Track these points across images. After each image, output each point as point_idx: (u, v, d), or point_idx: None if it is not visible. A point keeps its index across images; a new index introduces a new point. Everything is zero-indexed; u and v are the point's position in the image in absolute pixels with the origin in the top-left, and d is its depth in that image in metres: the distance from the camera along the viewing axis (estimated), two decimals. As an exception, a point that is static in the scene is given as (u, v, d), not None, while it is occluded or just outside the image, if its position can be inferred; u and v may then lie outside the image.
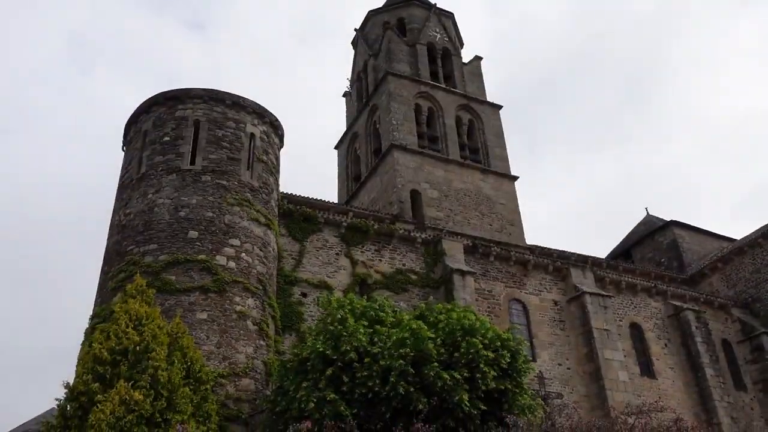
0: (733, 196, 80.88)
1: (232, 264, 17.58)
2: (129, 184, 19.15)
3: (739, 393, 27.61)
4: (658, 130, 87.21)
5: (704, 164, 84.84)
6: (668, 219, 35.65)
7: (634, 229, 38.03)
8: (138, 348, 12.60)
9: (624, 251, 36.79)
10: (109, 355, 12.42)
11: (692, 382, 26.49)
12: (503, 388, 13.70)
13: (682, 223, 35.37)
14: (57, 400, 12.47)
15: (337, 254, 22.05)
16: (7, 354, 59.08)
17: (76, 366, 13.09)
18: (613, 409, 16.31)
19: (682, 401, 25.51)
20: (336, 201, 30.77)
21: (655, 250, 35.17)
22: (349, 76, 37.32)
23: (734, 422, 25.90)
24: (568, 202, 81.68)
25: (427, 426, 10.55)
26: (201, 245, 17.44)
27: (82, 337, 16.29)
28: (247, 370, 16.28)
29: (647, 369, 26.07)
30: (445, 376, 12.80)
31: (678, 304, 28.23)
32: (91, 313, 17.28)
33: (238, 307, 16.99)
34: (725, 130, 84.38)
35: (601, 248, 68.20)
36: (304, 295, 20.56)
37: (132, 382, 12.12)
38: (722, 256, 32.17)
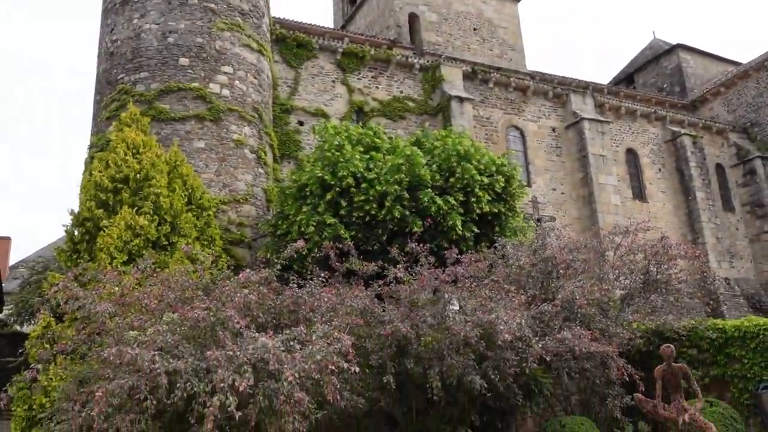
0: (745, 17, 77.60)
1: (226, 92, 17.30)
2: (113, 9, 18.27)
3: (727, 214, 28.57)
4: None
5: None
6: (675, 43, 34.53)
7: (639, 53, 36.97)
8: (138, 175, 12.77)
9: (627, 76, 36.10)
10: (110, 183, 12.62)
11: (682, 204, 27.31)
12: (496, 211, 14.13)
13: (689, 47, 34.33)
14: (64, 226, 12.88)
15: (333, 81, 21.65)
16: (27, 184, 60.40)
17: (79, 194, 13.35)
18: (603, 229, 16.95)
19: (670, 222, 26.47)
20: (331, 26, 29.61)
21: (659, 75, 34.47)
22: None
23: (719, 242, 27.11)
24: (574, 25, 78.57)
25: (421, 245, 10.99)
26: (193, 72, 17.03)
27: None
28: (248, 197, 16.66)
29: (639, 193, 26.75)
30: (439, 201, 13.15)
31: (675, 129, 28.26)
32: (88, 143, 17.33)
33: (235, 136, 16.99)
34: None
35: (606, 75, 66.75)
36: (301, 123, 20.50)
37: (135, 208, 12.45)
38: (725, 81, 31.60)
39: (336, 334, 7.47)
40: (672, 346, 6.53)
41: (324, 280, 9.50)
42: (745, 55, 77.07)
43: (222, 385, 6.20)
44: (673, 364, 6.53)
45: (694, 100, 32.37)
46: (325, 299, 8.74)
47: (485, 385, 8.92)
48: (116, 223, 12.03)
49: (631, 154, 27.30)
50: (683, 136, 27.85)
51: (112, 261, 11.49)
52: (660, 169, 27.72)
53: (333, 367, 6.85)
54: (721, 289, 25.41)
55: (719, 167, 29.62)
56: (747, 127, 30.59)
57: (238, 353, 6.51)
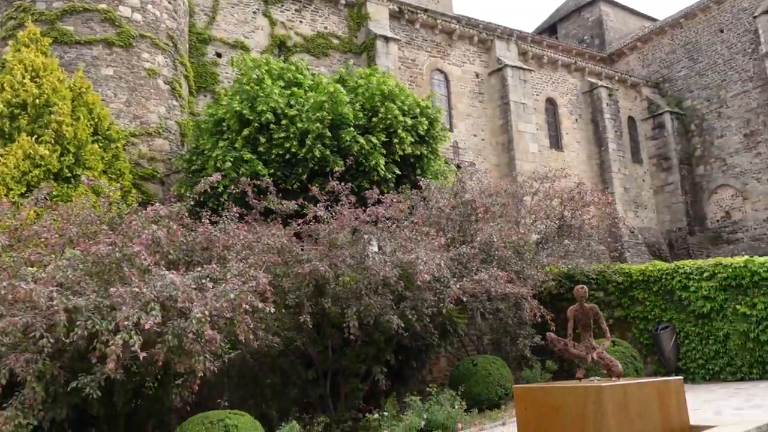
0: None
1: (137, 16, 16.13)
2: None
3: (635, 166, 29.81)
4: None
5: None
6: (597, -6, 35.03)
7: (563, 4, 37.32)
8: (38, 101, 11.80)
9: (551, 26, 36.45)
10: (6, 108, 11.61)
11: (595, 155, 28.24)
12: (419, 153, 14.03)
13: (610, 0, 34.90)
14: (-47, 153, 11.79)
15: (254, 12, 20.64)
16: None
17: (-29, 119, 12.23)
18: (521, 175, 17.27)
19: (583, 172, 27.33)
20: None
21: (580, 26, 34.99)
22: None
23: (626, 192, 28.33)
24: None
25: (341, 184, 10.75)
26: (101, -7, 15.74)
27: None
28: (160, 131, 15.80)
29: (556, 142, 27.40)
30: (362, 140, 12.89)
31: (593, 81, 28.92)
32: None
33: (147, 64, 15.97)
34: None
35: (531, 23, 67.27)
36: (219, 55, 19.51)
37: (35, 136, 11.54)
38: (642, 36, 32.46)
39: (252, 272, 7.21)
40: (585, 287, 6.67)
41: (239, 216, 9.14)
42: (664, 11, 79.42)
43: (126, 323, 5.85)
44: (585, 304, 6.69)
45: (612, 53, 33.16)
46: (241, 237, 8.42)
47: (402, 325, 8.95)
48: (13, 151, 11.14)
49: (551, 104, 27.81)
50: (600, 88, 28.57)
51: (8, 192, 10.67)
52: (577, 120, 28.43)
53: (247, 306, 6.62)
54: (625, 237, 26.67)
55: (631, 120, 30.71)
56: (659, 83, 31.70)
57: (145, 290, 6.15)
